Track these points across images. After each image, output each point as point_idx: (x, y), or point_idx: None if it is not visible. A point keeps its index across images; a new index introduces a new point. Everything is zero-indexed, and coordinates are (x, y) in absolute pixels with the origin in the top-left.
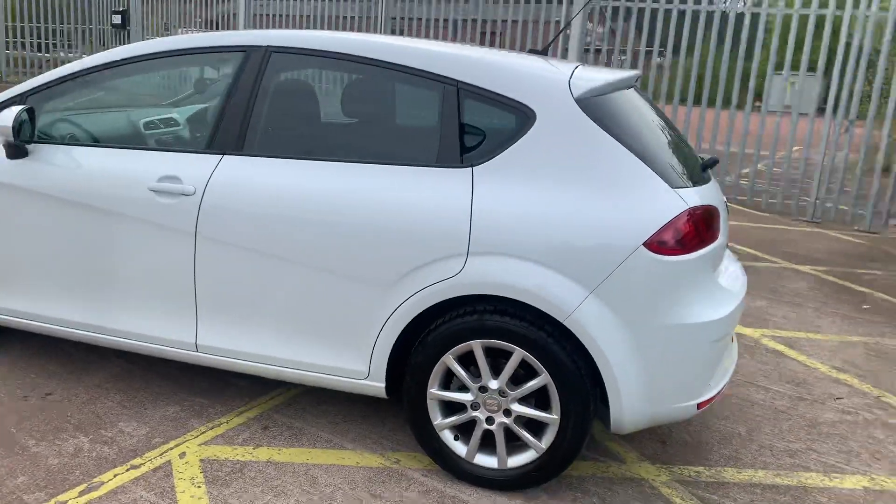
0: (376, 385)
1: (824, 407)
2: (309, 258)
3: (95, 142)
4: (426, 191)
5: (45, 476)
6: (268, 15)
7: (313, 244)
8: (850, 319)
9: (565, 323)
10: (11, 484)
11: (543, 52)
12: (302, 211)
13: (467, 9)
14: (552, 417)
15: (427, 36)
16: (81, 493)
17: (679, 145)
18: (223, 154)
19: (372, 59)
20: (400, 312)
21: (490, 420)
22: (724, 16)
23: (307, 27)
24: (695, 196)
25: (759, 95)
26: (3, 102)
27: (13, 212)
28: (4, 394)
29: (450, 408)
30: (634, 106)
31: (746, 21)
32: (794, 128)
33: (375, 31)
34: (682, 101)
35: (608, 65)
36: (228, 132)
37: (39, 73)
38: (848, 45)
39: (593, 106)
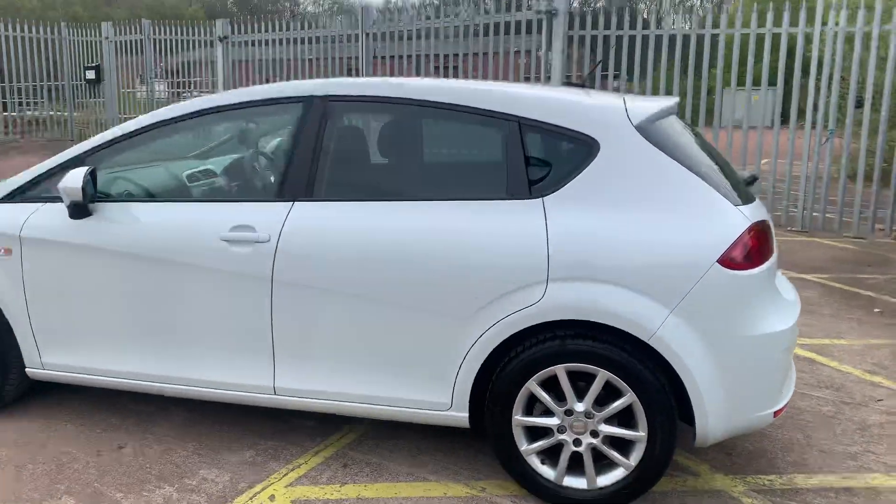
0: (459, 415)
1: (868, 409)
2: (387, 296)
3: (155, 197)
4: (500, 223)
5: None
6: (246, 61)
7: (391, 282)
8: (868, 323)
9: (649, 342)
10: None
11: (582, 85)
12: (378, 251)
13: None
14: (639, 435)
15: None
16: None
17: (725, 165)
18: (293, 201)
19: (430, 101)
20: (482, 342)
21: (577, 442)
22: (673, 39)
23: (287, 72)
24: (753, 212)
25: (710, 112)
26: (62, 164)
27: (77, 270)
28: (77, 449)
29: (532, 433)
30: (681, 130)
31: (693, 42)
32: (759, 141)
33: (359, 70)
34: None
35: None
36: (297, 180)
37: (7, 135)
38: (807, 58)
39: (651, 132)
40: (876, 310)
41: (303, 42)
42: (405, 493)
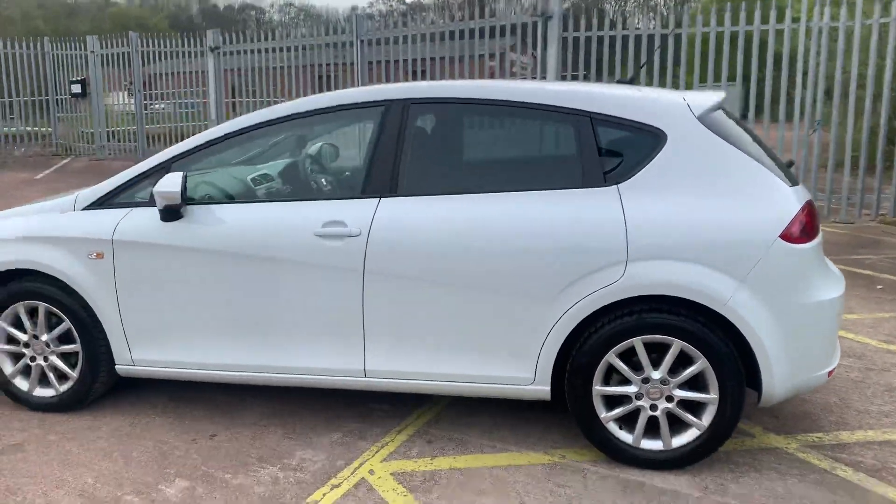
0: (542, 389)
1: (891, 374)
2: (474, 281)
3: (242, 199)
4: (579, 210)
5: (260, 502)
6: (239, 69)
7: (477, 268)
8: (872, 299)
9: (722, 311)
10: None
11: (630, 82)
12: (465, 240)
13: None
14: (712, 397)
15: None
16: None
17: (770, 151)
18: (380, 197)
19: (506, 100)
20: (564, 320)
21: (653, 407)
22: (638, 38)
23: (280, 78)
24: (802, 192)
25: None
26: (146, 171)
27: (170, 269)
28: (173, 438)
29: (610, 401)
30: (731, 121)
31: (657, 41)
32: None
33: (352, 76)
34: None
35: None
36: (381, 177)
37: None
38: (778, 54)
39: (710, 122)
40: (878, 287)
41: (290, 50)
42: (492, 462)
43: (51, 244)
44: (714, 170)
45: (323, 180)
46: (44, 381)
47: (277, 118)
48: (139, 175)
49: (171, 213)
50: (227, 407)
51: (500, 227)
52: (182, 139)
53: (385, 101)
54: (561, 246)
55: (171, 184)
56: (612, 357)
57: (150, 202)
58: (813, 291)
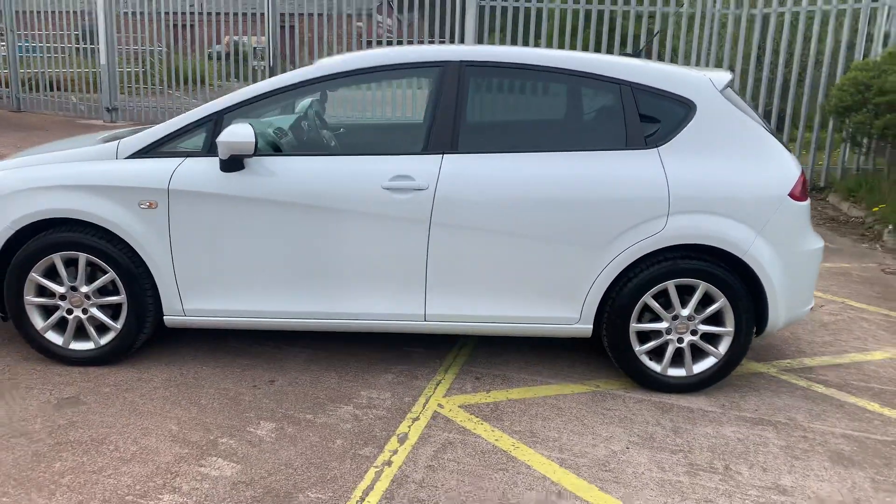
0: (585, 327)
1: (819, 313)
2: (530, 231)
3: (303, 151)
4: (626, 169)
5: (354, 436)
6: (134, 13)
7: (534, 220)
8: None
9: (743, 258)
10: (336, 445)
11: (637, 55)
12: (525, 193)
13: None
14: (728, 330)
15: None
16: (401, 442)
17: (765, 122)
18: (443, 154)
19: (556, 67)
20: (612, 266)
21: (680, 340)
22: (528, 10)
23: (189, 25)
24: (795, 159)
25: None
26: (197, 121)
27: (230, 219)
28: (233, 385)
29: (642, 336)
30: (737, 96)
31: (544, 14)
32: None
33: (263, 27)
34: None
35: None
36: (443, 135)
37: None
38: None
39: (728, 96)
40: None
41: None
42: (541, 393)
43: (95, 193)
44: (734, 136)
45: (382, 135)
46: (79, 334)
47: (337, 73)
48: (190, 125)
49: (233, 164)
50: (270, 356)
51: (557, 183)
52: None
53: (441, 62)
54: (613, 200)
55: (242, 134)
56: (647, 298)
57: (205, 152)
58: (807, 242)
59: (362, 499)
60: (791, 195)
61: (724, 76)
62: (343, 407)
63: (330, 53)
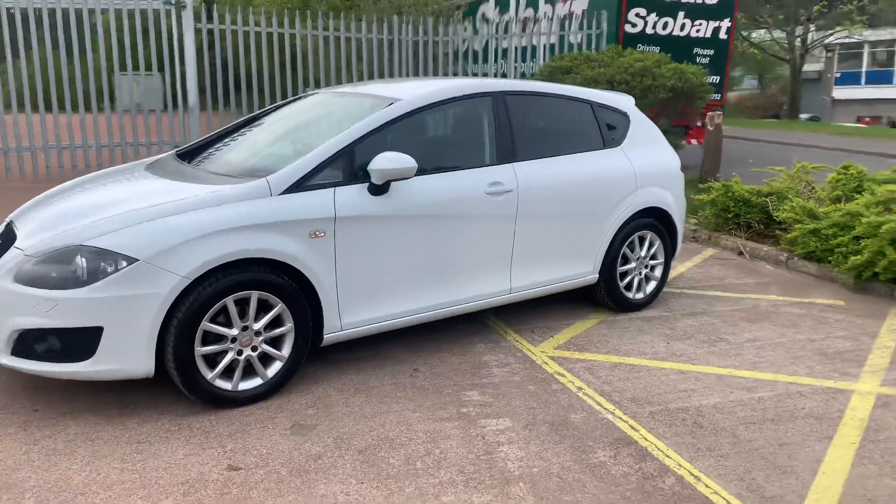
0: (596, 276)
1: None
2: (569, 212)
3: (423, 171)
4: (611, 161)
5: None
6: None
7: (569, 203)
8: None
9: (668, 210)
10: (501, 373)
11: (476, 74)
12: (561, 184)
13: None
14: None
15: None
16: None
17: None
18: (512, 162)
19: (556, 94)
20: (612, 227)
21: (640, 273)
22: (53, 14)
23: None
24: None
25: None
26: (337, 153)
27: (380, 236)
28: (389, 375)
29: (622, 276)
30: None
31: (72, 19)
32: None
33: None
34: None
35: None
36: (506, 148)
37: None
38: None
39: (638, 108)
40: None
41: None
42: (581, 329)
43: (265, 230)
44: (650, 134)
45: (461, 151)
46: (247, 372)
47: (426, 105)
48: (328, 159)
49: (381, 188)
50: (379, 349)
51: (578, 175)
52: None
53: (489, 93)
54: (611, 183)
55: (400, 161)
56: (625, 248)
57: (346, 181)
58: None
59: None
60: (681, 168)
61: (631, 97)
62: (494, 370)
63: None
